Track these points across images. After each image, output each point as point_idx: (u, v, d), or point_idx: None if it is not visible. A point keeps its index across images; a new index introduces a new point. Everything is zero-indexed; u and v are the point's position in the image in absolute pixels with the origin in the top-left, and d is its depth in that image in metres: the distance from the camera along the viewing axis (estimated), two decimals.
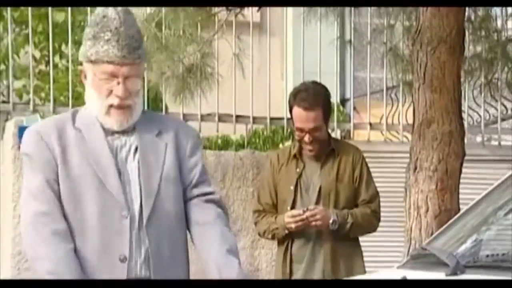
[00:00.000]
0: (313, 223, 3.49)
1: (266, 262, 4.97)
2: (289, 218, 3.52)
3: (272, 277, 4.90)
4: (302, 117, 3.51)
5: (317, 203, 3.56)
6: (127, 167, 2.27)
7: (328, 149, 3.62)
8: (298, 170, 3.61)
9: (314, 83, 3.75)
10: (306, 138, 3.53)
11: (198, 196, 2.35)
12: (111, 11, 2.25)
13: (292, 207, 3.58)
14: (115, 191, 2.23)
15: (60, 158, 2.23)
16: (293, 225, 3.51)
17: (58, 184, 2.23)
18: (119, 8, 2.26)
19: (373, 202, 3.62)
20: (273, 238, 3.71)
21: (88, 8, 5.17)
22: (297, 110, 3.54)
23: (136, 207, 2.25)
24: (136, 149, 2.29)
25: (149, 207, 2.25)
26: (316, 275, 3.53)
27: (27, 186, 2.27)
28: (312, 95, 3.53)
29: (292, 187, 3.59)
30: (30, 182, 2.26)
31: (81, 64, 2.32)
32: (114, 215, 2.22)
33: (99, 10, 2.28)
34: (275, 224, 3.61)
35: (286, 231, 3.56)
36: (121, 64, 2.23)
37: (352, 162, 3.61)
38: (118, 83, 2.24)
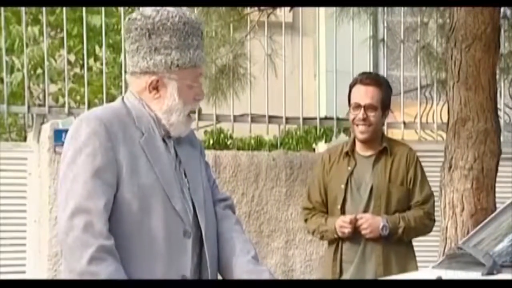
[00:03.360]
0: (363, 232, 3.45)
1: (300, 262, 4.96)
2: (340, 225, 3.47)
3: (305, 277, 4.90)
4: (361, 91, 3.53)
5: (368, 202, 3.51)
6: (180, 180, 2.18)
7: (380, 147, 3.56)
8: (349, 168, 3.55)
9: (376, 73, 3.82)
10: (360, 114, 3.50)
11: (216, 202, 2.30)
12: (190, 15, 2.18)
13: (342, 206, 3.53)
14: (179, 207, 2.14)
15: (127, 164, 2.09)
16: (345, 231, 3.46)
17: (116, 190, 2.08)
18: (190, 11, 2.20)
19: (427, 203, 3.53)
20: (321, 238, 3.70)
21: (122, 11, 5.22)
22: (357, 87, 3.57)
23: (191, 222, 2.16)
24: (180, 160, 2.21)
25: (203, 222, 2.18)
26: (368, 275, 3.46)
27: (75, 191, 2.06)
28: (375, 76, 3.65)
29: (342, 186, 3.53)
30: (81, 185, 2.06)
31: (148, 73, 2.16)
32: (178, 232, 2.13)
33: (168, 15, 2.15)
34: (325, 226, 3.57)
35: (336, 236, 3.52)
36: (202, 67, 2.22)
37: (406, 163, 3.54)
38: (200, 86, 2.21)
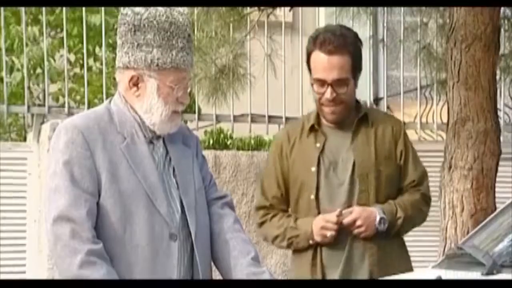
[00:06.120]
0: (356, 231, 2.72)
1: None
2: (321, 226, 2.70)
3: None
4: (324, 63, 2.69)
5: (351, 186, 2.75)
6: (168, 181, 2.17)
7: (357, 115, 2.79)
8: (318, 145, 2.76)
9: (341, 25, 2.95)
10: (328, 94, 2.69)
11: (213, 200, 2.28)
12: (178, 16, 2.14)
13: (316, 195, 2.75)
14: (164, 210, 2.12)
15: (107, 171, 2.08)
16: (328, 234, 2.70)
17: (98, 197, 2.08)
18: (181, 11, 2.18)
19: (423, 183, 2.85)
20: (288, 247, 2.84)
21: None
22: (317, 55, 2.72)
23: (179, 223, 2.15)
24: (170, 159, 2.20)
25: (193, 223, 2.16)
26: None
27: (57, 202, 2.06)
28: (338, 37, 2.72)
29: (313, 168, 2.73)
30: (63, 194, 2.06)
31: (129, 69, 2.17)
32: (163, 236, 2.12)
33: (155, 14, 2.12)
34: (295, 230, 2.77)
35: (311, 242, 2.74)
36: (188, 71, 2.18)
37: (393, 134, 2.80)
38: (185, 90, 2.18)
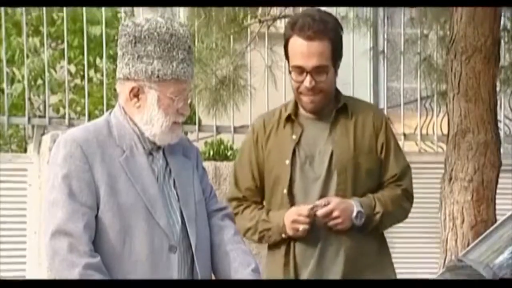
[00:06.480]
0: (331, 223, 2.55)
1: None
2: (292, 219, 2.55)
3: None
4: (303, 50, 2.56)
5: (327, 180, 2.60)
6: (168, 192, 2.17)
7: (336, 106, 2.65)
8: (294, 136, 2.63)
9: (320, 10, 2.73)
10: (307, 82, 2.56)
11: (213, 212, 2.28)
12: (179, 28, 2.15)
13: (290, 189, 2.61)
14: (163, 222, 2.12)
15: (106, 184, 2.09)
16: (301, 228, 2.54)
17: (96, 211, 2.08)
18: (181, 22, 2.19)
19: (405, 178, 2.67)
20: (260, 241, 2.70)
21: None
22: (296, 41, 2.58)
23: (179, 234, 2.15)
24: (170, 171, 2.20)
25: (194, 235, 2.16)
26: (333, 277, 2.63)
27: (54, 216, 2.06)
28: (318, 22, 2.58)
29: (287, 161, 2.60)
30: (60, 208, 2.06)
31: (129, 80, 2.17)
32: (163, 248, 2.12)
33: (156, 25, 2.13)
34: (267, 223, 2.64)
35: (284, 235, 2.60)
36: (188, 82, 2.19)
37: (374, 125, 2.64)
38: (185, 101, 2.18)
